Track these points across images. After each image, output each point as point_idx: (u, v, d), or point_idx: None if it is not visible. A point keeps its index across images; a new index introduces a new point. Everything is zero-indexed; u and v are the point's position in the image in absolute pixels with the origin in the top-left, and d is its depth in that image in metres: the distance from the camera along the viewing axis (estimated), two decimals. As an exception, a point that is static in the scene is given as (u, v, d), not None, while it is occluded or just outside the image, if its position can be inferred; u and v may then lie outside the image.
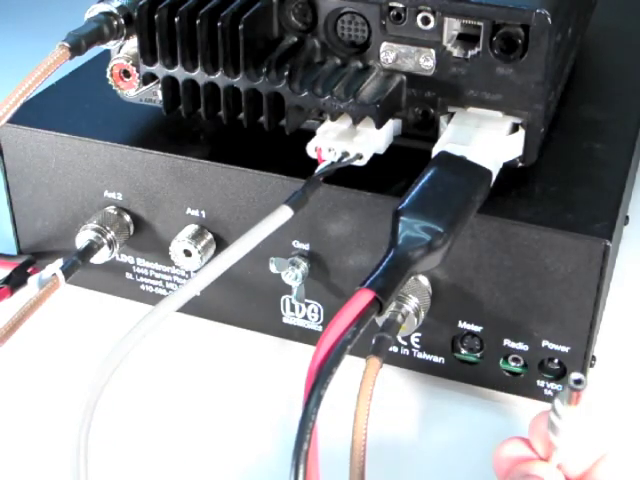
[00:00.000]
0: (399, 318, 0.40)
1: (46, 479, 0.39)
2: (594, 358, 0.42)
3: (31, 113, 0.47)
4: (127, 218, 0.46)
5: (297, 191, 0.36)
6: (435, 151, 0.38)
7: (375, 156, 0.39)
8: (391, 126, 0.41)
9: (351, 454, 0.32)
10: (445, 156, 0.37)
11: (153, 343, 0.46)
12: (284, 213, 0.35)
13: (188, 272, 0.47)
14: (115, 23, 0.41)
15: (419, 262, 0.33)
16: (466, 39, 0.39)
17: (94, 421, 0.30)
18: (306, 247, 0.43)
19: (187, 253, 0.44)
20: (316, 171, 0.38)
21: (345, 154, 0.39)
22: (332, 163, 0.38)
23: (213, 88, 0.41)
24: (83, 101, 0.49)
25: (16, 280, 0.47)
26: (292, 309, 0.45)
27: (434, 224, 0.33)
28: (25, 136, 0.46)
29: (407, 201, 0.34)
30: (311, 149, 0.39)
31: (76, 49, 0.39)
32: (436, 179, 0.36)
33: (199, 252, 0.44)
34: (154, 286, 0.48)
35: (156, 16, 0.40)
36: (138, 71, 0.42)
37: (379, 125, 0.39)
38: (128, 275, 0.49)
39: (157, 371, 0.45)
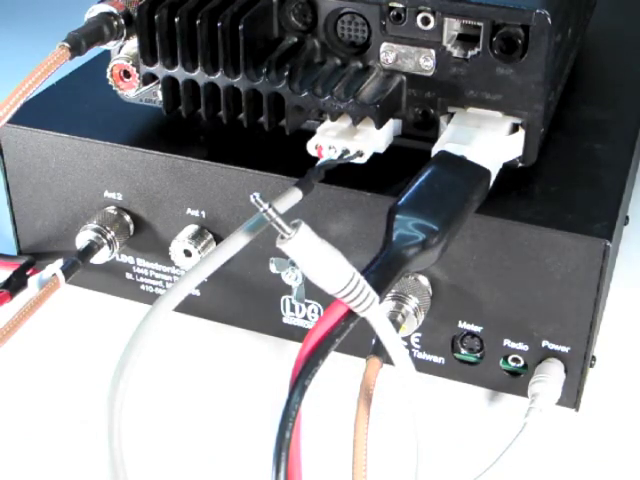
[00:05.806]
0: (399, 318, 0.40)
1: (45, 478, 0.39)
2: (594, 358, 0.42)
3: (31, 113, 0.47)
4: (127, 218, 0.46)
5: (302, 178, 0.34)
6: (435, 151, 0.38)
7: (375, 156, 0.39)
8: (391, 126, 0.41)
9: (352, 454, 0.32)
10: (444, 155, 0.37)
11: (153, 343, 0.46)
12: (294, 195, 0.33)
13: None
14: (115, 23, 0.41)
15: (413, 260, 0.32)
16: (466, 39, 0.39)
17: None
18: (306, 247, 0.43)
19: (187, 253, 0.44)
20: (317, 164, 0.37)
21: (345, 151, 0.39)
22: (333, 160, 0.38)
23: (213, 88, 0.41)
24: (83, 101, 0.49)
25: (16, 284, 0.46)
26: (292, 309, 0.45)
27: (429, 222, 0.33)
28: (25, 136, 0.46)
29: (403, 198, 0.34)
30: (311, 147, 0.39)
31: (76, 49, 0.39)
32: (434, 177, 0.35)
33: (199, 252, 0.44)
34: (154, 286, 0.48)
35: (156, 16, 0.40)
36: (138, 71, 0.42)
37: (379, 125, 0.39)
38: (128, 275, 0.49)
39: (157, 371, 0.45)
